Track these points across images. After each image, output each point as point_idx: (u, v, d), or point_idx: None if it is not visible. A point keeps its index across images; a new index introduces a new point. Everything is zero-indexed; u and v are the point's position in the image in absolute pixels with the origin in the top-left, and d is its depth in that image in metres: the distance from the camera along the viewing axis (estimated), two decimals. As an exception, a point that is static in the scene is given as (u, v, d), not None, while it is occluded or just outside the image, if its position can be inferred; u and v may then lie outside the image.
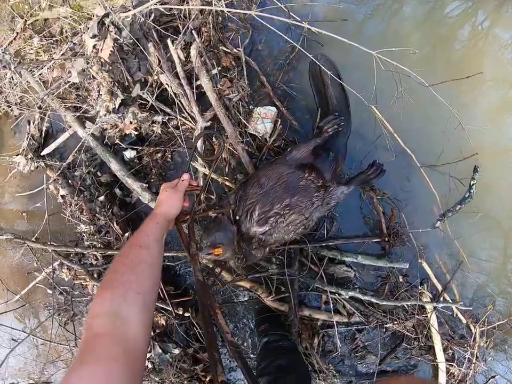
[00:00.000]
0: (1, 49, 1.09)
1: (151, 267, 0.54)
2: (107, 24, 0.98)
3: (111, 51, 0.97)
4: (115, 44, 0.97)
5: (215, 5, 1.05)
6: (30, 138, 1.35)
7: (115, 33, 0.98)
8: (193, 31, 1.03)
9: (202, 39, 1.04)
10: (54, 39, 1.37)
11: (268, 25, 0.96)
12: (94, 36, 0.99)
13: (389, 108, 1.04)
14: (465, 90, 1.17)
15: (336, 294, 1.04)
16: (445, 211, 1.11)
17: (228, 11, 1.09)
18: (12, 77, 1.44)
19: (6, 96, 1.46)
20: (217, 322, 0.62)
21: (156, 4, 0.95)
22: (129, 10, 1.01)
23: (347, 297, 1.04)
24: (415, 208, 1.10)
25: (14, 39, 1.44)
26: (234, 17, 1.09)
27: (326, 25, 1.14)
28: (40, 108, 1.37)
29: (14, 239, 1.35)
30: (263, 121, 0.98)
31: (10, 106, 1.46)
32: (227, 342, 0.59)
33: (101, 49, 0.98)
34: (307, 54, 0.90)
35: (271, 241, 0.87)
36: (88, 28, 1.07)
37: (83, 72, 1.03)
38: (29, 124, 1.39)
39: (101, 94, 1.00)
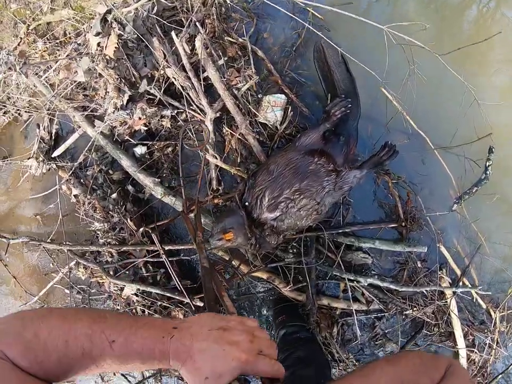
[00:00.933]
0: (6, 51, 1.08)
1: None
2: (110, 20, 0.96)
3: (115, 48, 0.95)
4: (119, 40, 0.95)
5: None
6: (40, 141, 1.35)
7: (118, 29, 0.96)
8: (197, 23, 1.01)
9: (207, 31, 1.02)
10: (58, 41, 1.36)
11: (274, 6, 0.94)
12: (97, 34, 0.98)
13: (400, 88, 1.01)
14: (477, 71, 1.13)
15: (355, 282, 1.01)
16: (462, 194, 1.07)
17: (230, 0, 1.07)
18: (19, 82, 1.44)
19: (14, 102, 1.46)
20: (224, 304, 0.60)
21: None
22: (131, 5, 0.99)
23: (366, 284, 1.01)
24: (431, 191, 1.06)
25: (18, 44, 1.44)
26: (238, 7, 1.06)
27: (331, 10, 1.11)
28: (48, 110, 1.36)
29: (29, 242, 1.37)
30: (272, 109, 0.95)
31: (19, 111, 1.47)
32: None
33: (106, 47, 0.97)
34: (319, 34, 0.87)
35: (284, 227, 0.85)
36: (91, 27, 1.06)
37: (89, 71, 1.01)
38: (38, 127, 1.38)
39: (108, 92, 0.98)
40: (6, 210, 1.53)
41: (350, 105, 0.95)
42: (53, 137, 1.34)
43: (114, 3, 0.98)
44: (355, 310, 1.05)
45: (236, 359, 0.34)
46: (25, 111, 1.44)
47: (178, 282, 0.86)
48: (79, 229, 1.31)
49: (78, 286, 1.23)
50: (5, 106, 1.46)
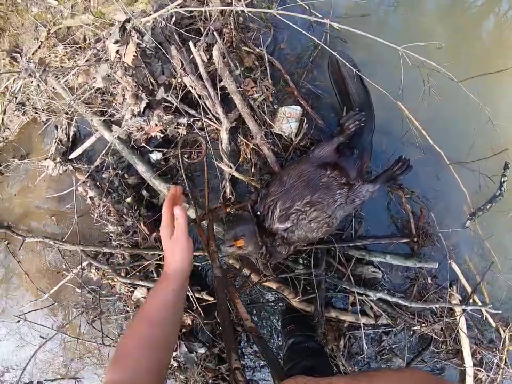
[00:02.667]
0: (26, 58, 1.10)
1: (165, 347, 0.50)
2: (129, 29, 0.97)
3: (134, 56, 0.95)
4: (138, 49, 0.95)
5: (235, 5, 1.02)
6: (57, 143, 1.37)
7: (137, 38, 0.96)
8: (214, 33, 1.01)
9: (224, 40, 1.01)
10: (78, 46, 1.38)
11: (289, 23, 0.93)
12: (116, 42, 0.98)
13: (416, 103, 0.99)
14: (492, 85, 1.09)
15: (364, 295, 0.99)
16: (475, 210, 1.04)
17: (248, 11, 1.05)
18: (39, 84, 1.46)
19: (33, 103, 1.48)
20: (237, 310, 0.61)
21: (176, 7, 0.93)
22: (150, 14, 0.99)
23: (375, 298, 0.99)
24: (445, 207, 1.04)
25: (39, 47, 1.46)
26: (255, 17, 1.05)
27: (348, 21, 1.09)
28: (67, 113, 1.38)
29: (44, 241, 1.38)
30: (288, 120, 0.94)
31: (37, 113, 1.48)
32: (247, 328, 0.57)
33: (124, 54, 0.97)
34: (332, 49, 0.85)
35: (294, 239, 0.84)
36: (110, 34, 1.06)
37: (107, 77, 1.02)
38: (57, 129, 1.40)
39: (126, 98, 0.98)
40: (21, 209, 1.55)
41: (364, 119, 0.93)
42: (71, 139, 1.35)
43: (133, 12, 0.98)
44: (363, 323, 1.03)
45: None
46: (44, 113, 1.47)
47: (191, 291, 0.86)
48: (93, 231, 1.32)
49: (89, 286, 1.24)
50: (24, 107, 1.49)
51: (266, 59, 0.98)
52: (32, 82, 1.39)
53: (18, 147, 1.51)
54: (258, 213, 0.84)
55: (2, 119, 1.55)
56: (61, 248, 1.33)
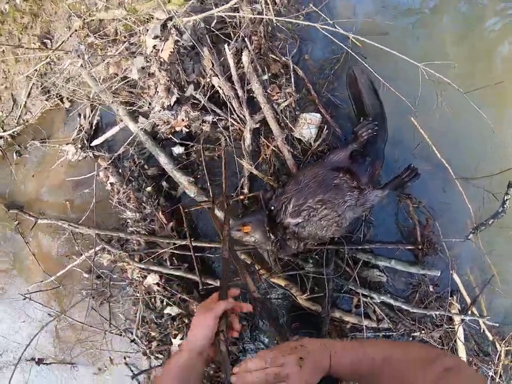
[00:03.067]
0: (78, 41, 1.21)
1: None
2: (169, 27, 1.08)
3: (171, 52, 1.06)
4: (175, 46, 1.07)
5: (266, 14, 1.14)
6: (80, 130, 1.47)
7: (176, 36, 1.07)
8: (245, 39, 1.13)
9: (253, 47, 1.13)
10: (109, 38, 1.49)
11: (315, 36, 1.05)
12: (156, 37, 1.09)
13: (429, 116, 1.10)
14: (504, 109, 1.21)
15: (368, 297, 1.08)
16: (478, 224, 1.14)
17: (276, 19, 1.18)
18: (66, 71, 1.57)
19: (58, 89, 1.59)
20: (245, 281, 0.71)
21: (220, 12, 1.05)
22: (192, 15, 1.11)
23: (378, 301, 1.08)
24: (449, 218, 1.14)
25: (70, 36, 1.58)
26: (283, 28, 1.18)
27: (368, 38, 1.21)
28: (92, 102, 1.49)
29: (57, 223, 1.47)
30: (308, 126, 1.05)
31: (62, 99, 1.59)
32: (253, 299, 0.67)
33: (161, 50, 1.08)
34: (359, 59, 0.97)
35: (304, 234, 0.94)
36: (148, 29, 1.17)
37: (142, 70, 1.13)
38: (80, 117, 1.50)
39: (158, 91, 1.09)
40: (36, 191, 1.64)
41: (376, 128, 1.04)
42: (93, 128, 1.46)
43: (177, 11, 1.10)
44: (365, 326, 1.12)
45: None
46: (68, 100, 1.58)
47: (200, 276, 0.95)
48: (107, 217, 1.41)
49: (100, 270, 1.33)
50: (49, 92, 1.60)
51: (291, 68, 1.09)
52: (67, 66, 1.50)
53: (39, 130, 1.62)
54: (272, 207, 0.94)
55: (25, 102, 1.67)
56: (75, 231, 1.42)
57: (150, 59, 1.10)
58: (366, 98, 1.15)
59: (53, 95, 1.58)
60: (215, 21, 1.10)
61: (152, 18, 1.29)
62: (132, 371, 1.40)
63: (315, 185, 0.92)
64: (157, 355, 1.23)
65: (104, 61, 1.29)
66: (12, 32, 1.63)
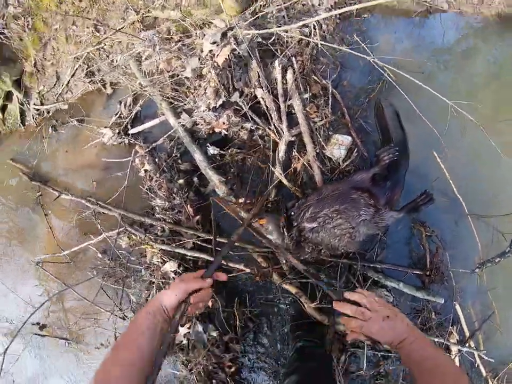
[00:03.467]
0: (153, 31, 1.37)
1: (141, 369, 0.61)
2: (229, 36, 1.24)
3: (225, 58, 1.22)
4: (230, 54, 1.22)
5: (313, 38, 1.31)
6: (119, 117, 1.62)
7: (234, 45, 1.22)
8: (292, 58, 1.28)
9: (298, 66, 1.28)
10: (160, 36, 1.66)
11: (355, 65, 1.20)
12: (213, 43, 1.25)
13: (452, 151, 1.24)
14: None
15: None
16: (485, 260, 1.26)
17: (321, 44, 1.34)
18: (113, 60, 1.74)
19: (103, 75, 1.75)
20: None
21: (281, 32, 1.21)
22: (251, 29, 1.26)
23: (382, 319, 1.18)
24: (458, 251, 1.26)
25: (122, 27, 1.74)
26: (327, 53, 1.33)
27: (403, 72, 1.37)
28: (135, 92, 1.64)
29: (81, 200, 1.59)
30: (339, 147, 1.19)
31: (105, 85, 1.75)
32: None
33: (217, 55, 1.23)
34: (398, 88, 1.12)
35: (318, 240, 1.05)
36: (206, 34, 1.33)
37: (195, 70, 1.28)
38: (120, 104, 1.66)
39: (206, 93, 1.24)
40: (64, 167, 1.78)
41: (397, 153, 1.17)
42: (132, 116, 1.60)
43: (238, 23, 1.25)
44: (366, 343, 1.22)
45: None
46: (111, 86, 1.73)
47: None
48: (130, 203, 1.53)
49: (119, 251, 1.44)
50: (93, 75, 1.76)
51: (330, 91, 1.24)
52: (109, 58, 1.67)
53: (77, 110, 1.77)
54: (292, 213, 1.07)
55: (69, 81, 1.83)
56: (98, 210, 1.54)
57: (204, 62, 1.25)
58: (390, 128, 1.29)
59: (97, 79, 1.75)
60: (273, 38, 1.25)
61: (209, 24, 1.45)
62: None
63: (334, 197, 1.05)
64: None
65: (156, 56, 1.45)
66: (68, 12, 1.81)
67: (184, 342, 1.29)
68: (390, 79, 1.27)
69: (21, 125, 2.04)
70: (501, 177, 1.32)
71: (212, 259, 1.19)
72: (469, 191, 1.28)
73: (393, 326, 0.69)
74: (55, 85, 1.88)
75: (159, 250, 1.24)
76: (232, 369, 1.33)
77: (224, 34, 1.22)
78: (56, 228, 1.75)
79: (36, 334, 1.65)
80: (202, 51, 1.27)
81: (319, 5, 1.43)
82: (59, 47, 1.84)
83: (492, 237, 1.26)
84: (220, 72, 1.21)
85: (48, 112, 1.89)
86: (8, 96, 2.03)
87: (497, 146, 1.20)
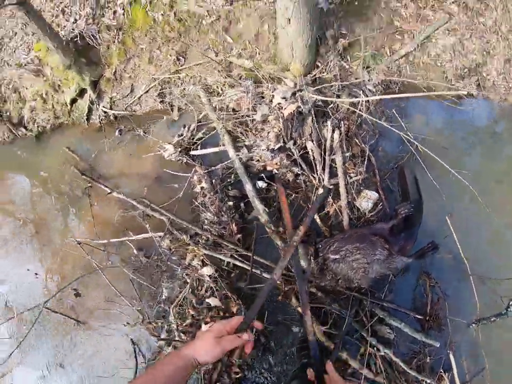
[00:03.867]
0: (250, 81, 1.99)
1: None
2: (297, 95, 1.85)
3: (290, 112, 1.81)
4: (296, 109, 1.82)
5: (360, 110, 1.91)
6: (182, 138, 2.23)
7: (300, 103, 1.83)
8: (341, 121, 1.88)
9: (344, 129, 1.87)
10: (230, 77, 2.31)
11: (391, 136, 1.79)
12: (283, 97, 1.86)
13: (465, 218, 1.77)
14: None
15: (375, 348, 1.64)
16: (481, 318, 1.72)
17: (366, 116, 1.94)
18: (184, 88, 2.39)
19: (173, 99, 2.40)
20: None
21: (344, 103, 1.82)
22: (316, 94, 1.88)
23: (382, 353, 1.63)
24: (458, 304, 1.74)
25: (200, 63, 2.41)
26: (370, 122, 1.93)
27: (430, 147, 1.94)
28: (199, 121, 2.27)
29: (134, 202, 2.15)
30: (367, 200, 1.73)
31: (172, 108, 2.39)
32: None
33: (285, 108, 1.84)
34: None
35: (337, 270, 1.55)
36: (277, 89, 1.95)
37: (264, 116, 1.88)
38: (184, 127, 2.28)
39: (269, 136, 1.83)
40: (119, 169, 2.38)
41: (412, 210, 1.69)
42: (193, 140, 2.21)
43: (306, 87, 1.87)
44: (364, 375, 1.65)
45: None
46: (178, 110, 2.37)
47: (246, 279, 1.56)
48: (178, 212, 2.09)
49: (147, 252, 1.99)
50: (164, 97, 2.41)
51: (367, 154, 1.82)
52: (181, 87, 2.32)
53: (144, 122, 2.41)
54: (319, 246, 1.58)
55: (141, 96, 2.48)
56: (147, 213, 2.09)
57: (272, 110, 1.85)
58: (409, 189, 1.85)
59: (167, 101, 2.40)
60: (331, 105, 1.87)
61: (278, 79, 2.09)
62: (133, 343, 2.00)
63: (356, 237, 1.58)
64: (181, 333, 1.78)
65: (227, 96, 2.08)
66: (156, 38, 2.51)
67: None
68: (415, 153, 1.86)
69: (86, 121, 2.70)
70: (505, 245, 1.82)
71: (248, 267, 1.70)
72: (474, 253, 1.79)
73: None
74: (127, 95, 2.56)
75: (203, 255, 1.76)
76: (238, 376, 1.76)
77: (293, 94, 1.84)
78: (97, 218, 2.31)
79: (48, 309, 2.15)
80: (271, 101, 1.89)
81: (368, 80, 2.07)
82: (140, 65, 2.54)
83: (490, 297, 1.73)
84: (283, 122, 1.81)
85: (115, 118, 2.55)
86: (82, 92, 2.73)
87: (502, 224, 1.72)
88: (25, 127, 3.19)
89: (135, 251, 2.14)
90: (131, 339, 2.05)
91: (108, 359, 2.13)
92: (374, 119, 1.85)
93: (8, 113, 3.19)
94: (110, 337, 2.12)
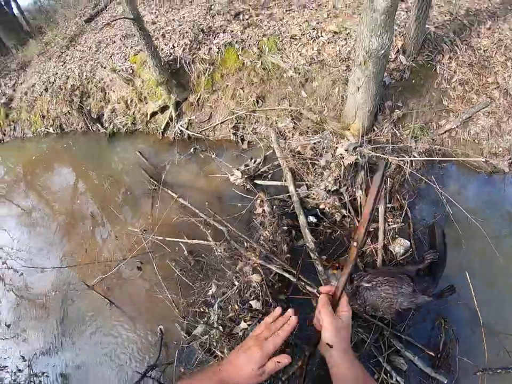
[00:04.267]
0: (327, 134, 2.90)
1: None
2: (358, 150, 2.69)
3: (350, 163, 2.64)
4: (354, 160, 2.65)
5: (406, 169, 2.73)
6: (248, 168, 3.10)
7: (359, 156, 2.67)
8: (388, 177, 2.68)
9: (389, 184, 2.67)
10: (304, 127, 3.23)
11: (426, 195, 2.57)
12: (346, 150, 2.71)
13: (486, 276, 2.44)
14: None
15: (388, 375, 2.25)
16: (488, 368, 2.30)
17: (411, 171, 2.75)
18: (257, 127, 3.33)
19: (244, 133, 3.33)
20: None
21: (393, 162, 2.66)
22: (372, 151, 2.73)
23: (394, 380, 2.23)
24: (468, 350, 2.31)
25: (272, 109, 3.37)
26: (411, 182, 2.73)
27: (459, 211, 2.68)
28: (265, 156, 3.15)
29: (197, 210, 2.98)
30: (400, 246, 2.45)
31: (243, 140, 3.32)
32: None
33: (345, 159, 2.67)
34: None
35: (367, 297, 2.20)
36: (341, 143, 2.81)
37: (327, 162, 2.72)
38: (251, 160, 3.15)
39: (329, 179, 2.64)
40: (185, 181, 3.25)
41: (437, 258, 2.36)
42: (258, 172, 3.07)
43: (366, 144, 2.73)
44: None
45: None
46: (248, 143, 3.29)
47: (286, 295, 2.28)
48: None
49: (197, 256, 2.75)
50: (237, 129, 3.35)
51: (405, 209, 2.57)
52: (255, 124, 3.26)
53: (215, 146, 3.33)
54: (354, 276, 2.29)
55: (217, 124, 3.44)
56: (209, 222, 2.90)
57: (334, 159, 2.70)
58: (437, 242, 2.54)
59: (239, 134, 3.33)
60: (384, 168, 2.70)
61: (341, 135, 2.97)
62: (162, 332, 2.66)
63: (387, 272, 2.26)
64: (220, 326, 2.46)
65: (296, 140, 2.97)
66: (241, 79, 3.50)
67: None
68: (447, 213, 2.61)
69: (161, 133, 3.67)
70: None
71: (293, 279, 2.42)
72: (489, 307, 2.40)
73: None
74: (205, 121, 3.52)
75: (257, 263, 2.50)
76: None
77: (354, 148, 2.69)
78: (156, 217, 3.14)
79: (86, 285, 2.89)
80: (335, 152, 2.74)
81: (414, 148, 2.90)
82: (223, 98, 3.51)
83: (499, 350, 2.32)
84: (343, 169, 2.64)
85: (189, 137, 3.49)
86: (164, 108, 3.72)
87: None
88: (101, 124, 4.25)
89: (185, 252, 2.92)
90: (160, 328, 2.70)
91: (130, 346, 2.78)
92: (418, 175, 2.64)
93: (88, 108, 4.28)
94: (138, 325, 2.81)
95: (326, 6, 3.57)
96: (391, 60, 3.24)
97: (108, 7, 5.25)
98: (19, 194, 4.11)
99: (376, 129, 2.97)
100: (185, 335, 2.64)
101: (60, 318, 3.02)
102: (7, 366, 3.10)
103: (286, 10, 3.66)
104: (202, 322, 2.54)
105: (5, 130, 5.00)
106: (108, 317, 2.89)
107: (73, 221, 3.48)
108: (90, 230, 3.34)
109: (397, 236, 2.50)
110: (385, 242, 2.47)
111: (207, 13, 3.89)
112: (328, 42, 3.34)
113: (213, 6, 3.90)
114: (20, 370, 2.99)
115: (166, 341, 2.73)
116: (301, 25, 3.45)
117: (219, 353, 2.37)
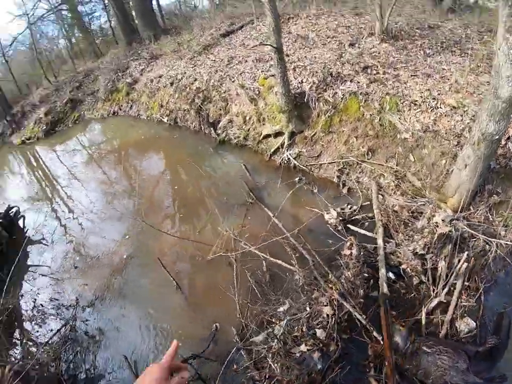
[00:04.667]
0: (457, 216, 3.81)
1: None
2: (453, 222, 3.49)
3: (442, 233, 3.44)
4: (446, 233, 3.43)
5: (488, 255, 3.47)
6: (342, 211, 4.03)
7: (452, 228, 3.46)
8: (472, 258, 3.43)
9: (471, 264, 3.41)
10: (407, 191, 4.09)
11: None
12: (442, 220, 3.51)
13: None
14: None
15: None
16: None
17: (497, 251, 3.47)
18: (361, 176, 4.27)
19: (347, 179, 4.28)
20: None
21: (480, 240, 3.45)
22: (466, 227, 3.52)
23: None
24: None
25: (379, 164, 4.29)
26: (491, 267, 3.44)
27: None
28: (361, 205, 4.07)
29: (288, 234, 3.97)
30: (466, 325, 3.16)
31: (344, 185, 4.27)
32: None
33: (440, 227, 3.47)
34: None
35: (423, 361, 2.89)
36: (437, 213, 3.63)
37: (422, 227, 3.57)
38: (347, 205, 4.06)
39: (420, 243, 3.46)
40: (280, 206, 4.24)
41: (498, 343, 3.04)
42: (352, 217, 3.98)
43: (461, 219, 3.53)
44: None
45: None
46: (347, 189, 4.24)
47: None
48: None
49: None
50: (341, 174, 4.32)
51: (480, 290, 3.31)
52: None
53: (318, 183, 4.32)
54: (417, 339, 3.08)
55: (323, 163, 4.44)
56: (297, 247, 3.85)
57: (428, 225, 3.52)
58: (501, 330, 3.21)
59: (342, 178, 4.29)
60: (469, 241, 3.50)
61: (440, 207, 3.78)
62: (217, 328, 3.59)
63: (448, 344, 3.01)
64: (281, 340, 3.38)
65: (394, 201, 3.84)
66: (357, 129, 4.46)
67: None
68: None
69: (268, 156, 4.76)
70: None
71: (363, 322, 3.30)
72: None
73: None
74: (313, 157, 4.52)
75: (334, 298, 3.41)
76: None
77: (451, 220, 3.49)
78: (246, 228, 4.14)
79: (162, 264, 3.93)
80: (430, 219, 3.56)
81: (503, 236, 3.61)
82: (336, 141, 4.44)
83: None
84: (436, 237, 3.45)
85: (294, 167, 4.53)
86: (278, 134, 4.80)
87: None
88: (215, 129, 5.51)
89: (264, 268, 3.90)
90: (216, 325, 3.46)
91: (178, 329, 3.50)
92: (505, 255, 3.35)
93: (207, 112, 5.56)
94: (195, 314, 3.62)
95: (449, 80, 4.33)
96: (500, 145, 3.80)
97: (243, 28, 6.59)
98: (120, 163, 5.49)
99: (472, 208, 3.71)
100: (237, 339, 3.35)
101: (121, 281, 4.12)
102: (58, 299, 4.25)
103: (411, 75, 4.49)
104: (266, 332, 3.44)
105: (121, 106, 6.44)
106: (169, 294, 3.79)
107: (156, 206, 4.66)
108: (171, 220, 4.49)
109: (465, 314, 3.25)
110: (453, 316, 3.24)
111: (337, 59, 4.87)
112: (445, 115, 4.05)
113: (343, 54, 4.89)
114: (67, 308, 4.01)
115: (217, 339, 3.44)
116: (422, 93, 4.25)
117: (272, 364, 3.11)
